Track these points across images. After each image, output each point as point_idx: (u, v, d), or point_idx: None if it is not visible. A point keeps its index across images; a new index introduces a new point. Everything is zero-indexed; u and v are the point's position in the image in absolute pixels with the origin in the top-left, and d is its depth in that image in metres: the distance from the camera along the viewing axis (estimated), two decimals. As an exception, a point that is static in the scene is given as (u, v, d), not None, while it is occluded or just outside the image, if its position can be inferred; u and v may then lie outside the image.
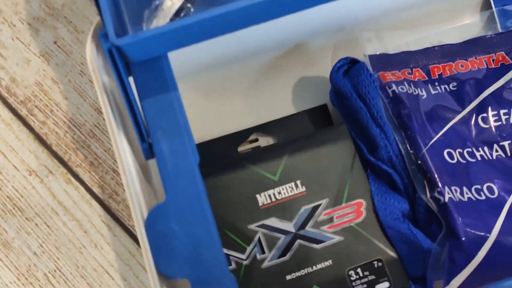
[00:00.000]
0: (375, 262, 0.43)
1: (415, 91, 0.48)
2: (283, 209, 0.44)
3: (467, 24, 0.52)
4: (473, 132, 0.47)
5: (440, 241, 0.43)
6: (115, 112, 0.36)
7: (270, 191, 0.44)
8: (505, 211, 0.43)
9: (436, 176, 0.44)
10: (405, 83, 0.48)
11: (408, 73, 0.49)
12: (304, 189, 0.44)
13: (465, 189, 0.44)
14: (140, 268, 0.50)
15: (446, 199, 0.43)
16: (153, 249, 0.33)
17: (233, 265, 0.43)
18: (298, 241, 0.43)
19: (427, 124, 0.46)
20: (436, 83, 0.49)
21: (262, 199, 0.44)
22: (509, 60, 0.49)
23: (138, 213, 0.34)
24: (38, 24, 0.54)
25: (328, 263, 0.43)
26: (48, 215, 0.50)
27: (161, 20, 0.38)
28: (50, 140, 0.52)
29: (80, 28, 0.54)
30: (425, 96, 0.48)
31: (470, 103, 0.48)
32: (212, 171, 0.44)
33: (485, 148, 0.46)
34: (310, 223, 0.44)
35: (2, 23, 0.53)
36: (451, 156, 0.46)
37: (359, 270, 0.43)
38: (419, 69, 0.49)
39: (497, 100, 0.48)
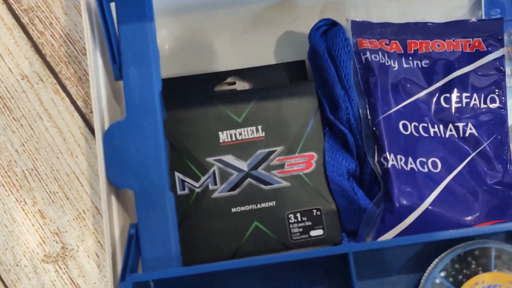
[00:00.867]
0: (314, 211, 0.47)
1: (387, 62, 0.50)
2: (241, 149, 0.47)
3: (454, 6, 0.53)
4: (433, 109, 0.50)
5: (377, 202, 0.46)
6: (95, 32, 0.39)
7: (232, 131, 0.48)
8: (442, 186, 0.47)
9: (385, 143, 0.47)
10: (380, 53, 0.50)
11: (386, 44, 0.51)
12: (263, 134, 0.48)
13: (410, 159, 0.47)
14: (109, 180, 0.54)
15: (389, 165, 0.46)
16: (106, 159, 0.37)
17: (186, 191, 0.47)
18: (249, 180, 0.47)
19: (391, 94, 0.49)
20: (410, 58, 0.51)
21: (224, 136, 0.48)
22: (485, 47, 0.51)
23: (99, 125, 0.38)
24: None
25: (272, 204, 0.47)
26: (33, 118, 0.54)
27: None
28: (45, 50, 0.55)
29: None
30: (396, 68, 0.50)
31: (437, 82, 0.50)
32: (184, 104, 0.48)
33: (441, 126, 0.49)
34: (263, 165, 0.47)
35: None
36: (405, 127, 0.48)
37: (298, 214, 0.47)
38: (397, 41, 0.51)
39: (463, 83, 0.50)
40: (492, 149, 0.49)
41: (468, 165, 0.48)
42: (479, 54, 0.51)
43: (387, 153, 0.47)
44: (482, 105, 0.50)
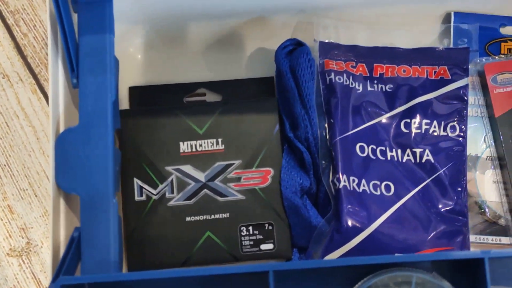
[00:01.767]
0: (266, 225, 0.48)
1: (352, 84, 0.51)
2: (200, 160, 0.49)
3: (423, 33, 0.54)
4: (392, 134, 0.50)
5: (327, 220, 0.47)
6: (58, 40, 0.40)
7: (193, 142, 0.49)
8: (392, 209, 0.47)
9: (339, 163, 0.48)
10: (344, 75, 0.51)
11: (352, 66, 0.52)
12: (223, 147, 0.49)
13: (363, 181, 0.48)
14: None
15: (341, 186, 0.47)
16: (57, 163, 0.39)
17: (144, 197, 0.48)
18: (205, 191, 0.48)
19: (351, 116, 0.50)
20: (375, 81, 0.52)
21: (184, 147, 0.49)
22: (449, 76, 0.52)
23: (53, 129, 0.40)
24: None
25: (226, 215, 0.48)
26: (10, 116, 0.56)
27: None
28: (27, 52, 0.58)
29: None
30: (360, 90, 0.51)
31: (399, 106, 0.51)
32: (148, 112, 0.49)
33: (399, 151, 0.50)
34: (220, 177, 0.49)
35: None
36: (362, 149, 0.49)
37: (250, 228, 0.48)
38: (364, 64, 0.52)
39: (424, 110, 0.51)
40: (447, 177, 0.49)
41: (421, 191, 0.49)
42: (444, 82, 0.52)
43: (340, 174, 0.48)
44: (442, 133, 0.51)
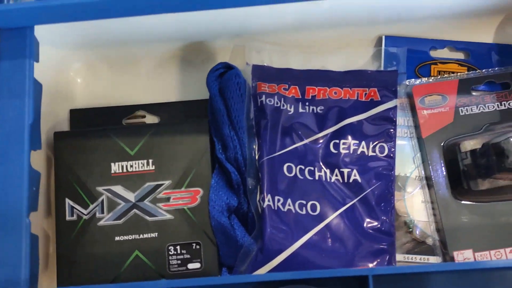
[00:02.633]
0: (194, 244, 0.49)
1: (283, 106, 0.52)
2: (130, 180, 0.50)
3: (354, 56, 0.55)
4: (321, 154, 0.51)
5: (252, 239, 0.48)
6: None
7: (124, 163, 0.50)
8: (316, 229, 0.48)
9: (265, 183, 0.49)
10: (276, 97, 0.52)
11: (284, 89, 0.53)
12: (153, 167, 0.50)
13: (289, 201, 0.49)
14: None
15: (265, 205, 0.48)
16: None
17: (74, 217, 0.49)
18: (135, 210, 0.49)
19: (280, 137, 0.51)
20: (307, 103, 0.53)
21: (116, 167, 0.50)
22: (379, 97, 0.53)
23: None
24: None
25: (154, 235, 0.49)
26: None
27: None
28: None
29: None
30: (291, 112, 0.52)
31: (329, 127, 0.52)
32: (81, 134, 0.51)
33: (327, 171, 0.51)
34: (150, 198, 0.49)
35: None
36: (290, 170, 0.50)
37: (178, 247, 0.48)
38: (296, 87, 0.53)
39: (353, 131, 0.52)
40: (374, 196, 0.50)
41: (347, 210, 0.49)
42: (373, 104, 0.53)
43: (265, 194, 0.48)
44: (370, 153, 0.51)
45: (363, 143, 0.51)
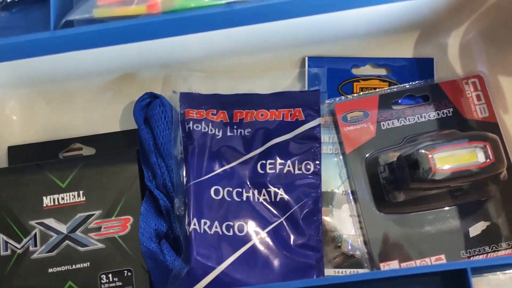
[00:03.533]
0: (126, 271, 0.50)
1: (211, 131, 0.54)
2: (62, 212, 0.51)
3: (280, 78, 0.57)
4: (249, 175, 0.53)
5: (181, 263, 0.49)
6: None
7: (56, 196, 0.51)
8: (243, 249, 0.49)
9: (191, 208, 0.50)
10: (203, 122, 0.54)
11: (213, 114, 0.55)
12: (84, 198, 0.51)
13: (216, 223, 0.50)
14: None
15: (191, 229, 0.49)
16: None
17: (8, 252, 0.50)
18: (67, 242, 0.50)
19: (207, 161, 0.52)
20: (235, 127, 0.54)
21: (47, 201, 0.51)
22: (303, 117, 0.54)
23: None
24: None
25: (86, 264, 0.50)
26: None
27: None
28: None
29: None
30: (220, 136, 0.54)
31: (256, 149, 0.53)
32: (13, 170, 0.52)
33: (255, 191, 0.52)
34: (81, 228, 0.51)
35: None
36: (217, 192, 0.51)
37: (110, 275, 0.49)
38: (225, 111, 0.55)
39: (280, 150, 0.53)
40: (301, 214, 0.51)
41: (274, 229, 0.51)
42: (298, 123, 0.54)
43: (191, 217, 0.50)
44: (297, 171, 0.53)
45: (289, 162, 0.53)
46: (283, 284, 0.44)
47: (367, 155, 0.52)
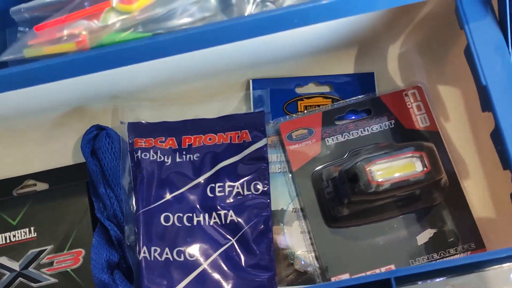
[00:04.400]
0: (78, 305, 0.50)
1: (160, 158, 0.55)
2: (14, 250, 0.51)
3: (228, 101, 0.58)
4: (199, 200, 0.53)
5: (134, 292, 0.50)
6: None
7: (7, 234, 0.52)
8: (195, 273, 0.50)
9: (141, 236, 0.50)
10: (151, 151, 0.55)
11: (161, 141, 0.56)
12: (35, 235, 0.52)
13: (167, 249, 0.50)
14: None
15: (141, 257, 0.49)
16: None
17: (-37, 293, 0.51)
18: (20, 279, 0.51)
19: (156, 189, 0.53)
20: (184, 152, 0.55)
21: (-1, 239, 0.52)
22: (250, 138, 0.55)
23: None
24: None
25: (41, 300, 0.50)
26: None
27: None
28: None
29: None
30: (169, 163, 0.55)
31: (205, 173, 0.54)
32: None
33: (206, 215, 0.53)
34: (33, 264, 0.51)
35: None
36: (167, 219, 0.52)
37: (61, 310, 0.50)
38: (173, 138, 0.56)
39: (228, 173, 0.54)
40: (252, 234, 0.52)
41: (226, 251, 0.51)
42: (245, 145, 0.55)
43: (141, 246, 0.50)
44: (246, 192, 0.53)
45: (238, 183, 0.53)
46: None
47: (313, 172, 0.54)
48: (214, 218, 0.53)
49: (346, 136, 0.55)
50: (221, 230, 0.52)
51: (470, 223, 0.52)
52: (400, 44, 0.58)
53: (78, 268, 0.51)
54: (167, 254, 0.50)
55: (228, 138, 0.56)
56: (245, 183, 0.54)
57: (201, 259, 0.51)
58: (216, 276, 0.50)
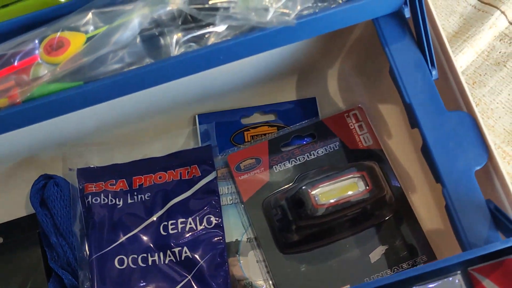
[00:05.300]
0: None
1: (112, 201, 0.55)
2: (-32, 308, 0.51)
3: (175, 138, 0.59)
4: (153, 239, 0.53)
5: None
6: None
7: (-39, 292, 0.51)
8: (152, 314, 0.49)
9: (95, 282, 0.50)
10: (102, 194, 0.55)
11: (111, 184, 0.56)
12: (-11, 290, 0.51)
13: (122, 293, 0.50)
14: None
15: (95, 304, 0.49)
16: None
17: None
18: (-24, 337, 0.50)
19: (108, 233, 0.53)
20: (135, 193, 0.55)
21: (-47, 299, 0.51)
22: (199, 173, 0.56)
23: None
24: None
25: None
26: None
27: None
28: None
29: None
30: (121, 205, 0.55)
31: (157, 212, 0.54)
32: None
33: (161, 254, 0.53)
34: (-12, 321, 0.51)
35: None
36: (121, 262, 0.52)
37: None
38: (124, 180, 0.56)
39: (180, 209, 0.54)
40: (208, 268, 0.52)
41: (182, 288, 0.51)
42: (195, 180, 0.56)
43: (95, 292, 0.50)
44: (199, 227, 0.54)
45: (190, 219, 0.54)
46: None
47: (263, 201, 0.54)
48: (169, 256, 0.53)
49: (293, 162, 0.56)
50: (176, 268, 0.52)
51: (420, 236, 0.53)
52: (338, 67, 0.59)
53: (35, 321, 0.51)
54: (123, 297, 0.50)
55: (178, 175, 0.56)
56: (197, 217, 0.54)
57: (159, 299, 0.51)
58: (174, 315, 0.50)
